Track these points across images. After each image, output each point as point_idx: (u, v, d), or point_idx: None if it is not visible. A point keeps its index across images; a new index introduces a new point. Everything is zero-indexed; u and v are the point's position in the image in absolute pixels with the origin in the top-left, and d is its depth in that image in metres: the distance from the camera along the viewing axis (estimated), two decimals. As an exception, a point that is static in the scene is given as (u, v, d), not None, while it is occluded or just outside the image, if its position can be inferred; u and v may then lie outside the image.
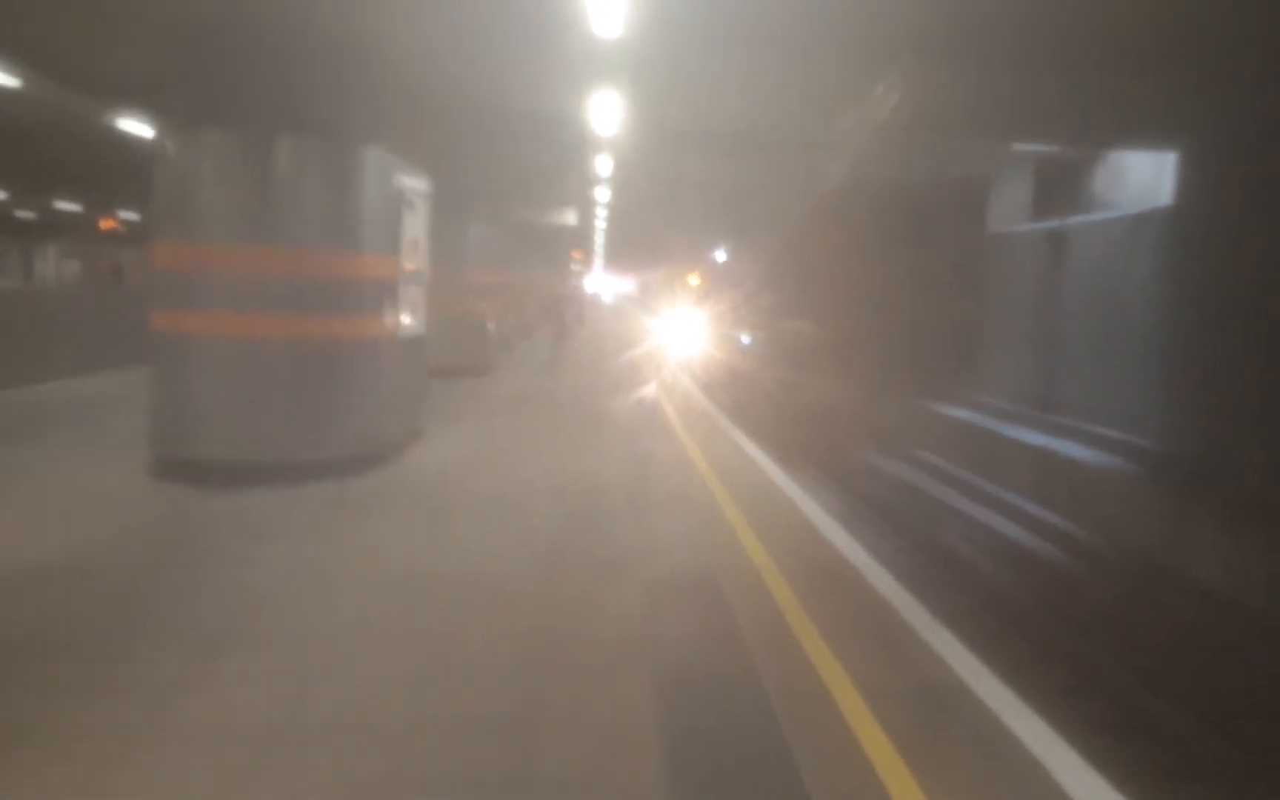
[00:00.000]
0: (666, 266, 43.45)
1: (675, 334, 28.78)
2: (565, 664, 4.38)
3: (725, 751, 3.61)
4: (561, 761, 3.50)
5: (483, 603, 5.16)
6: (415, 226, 9.55)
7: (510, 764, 3.45)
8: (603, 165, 16.16)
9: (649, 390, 15.34)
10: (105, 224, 32.72)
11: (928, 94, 9.83)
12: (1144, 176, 12.64)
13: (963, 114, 10.68)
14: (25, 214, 33.22)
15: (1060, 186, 14.41)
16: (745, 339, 26.21)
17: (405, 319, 9.26)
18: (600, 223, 31.69)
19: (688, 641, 4.75)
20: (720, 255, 31.77)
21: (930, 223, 16.77)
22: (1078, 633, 8.01)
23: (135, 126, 12.99)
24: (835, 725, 3.81)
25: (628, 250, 45.37)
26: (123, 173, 15.75)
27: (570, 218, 21.03)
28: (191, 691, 3.92)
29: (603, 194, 21.77)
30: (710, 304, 30.60)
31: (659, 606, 5.22)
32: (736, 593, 5.43)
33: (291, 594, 5.18)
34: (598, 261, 58.19)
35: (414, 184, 9.47)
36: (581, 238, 32.25)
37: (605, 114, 11.34)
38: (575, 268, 44.11)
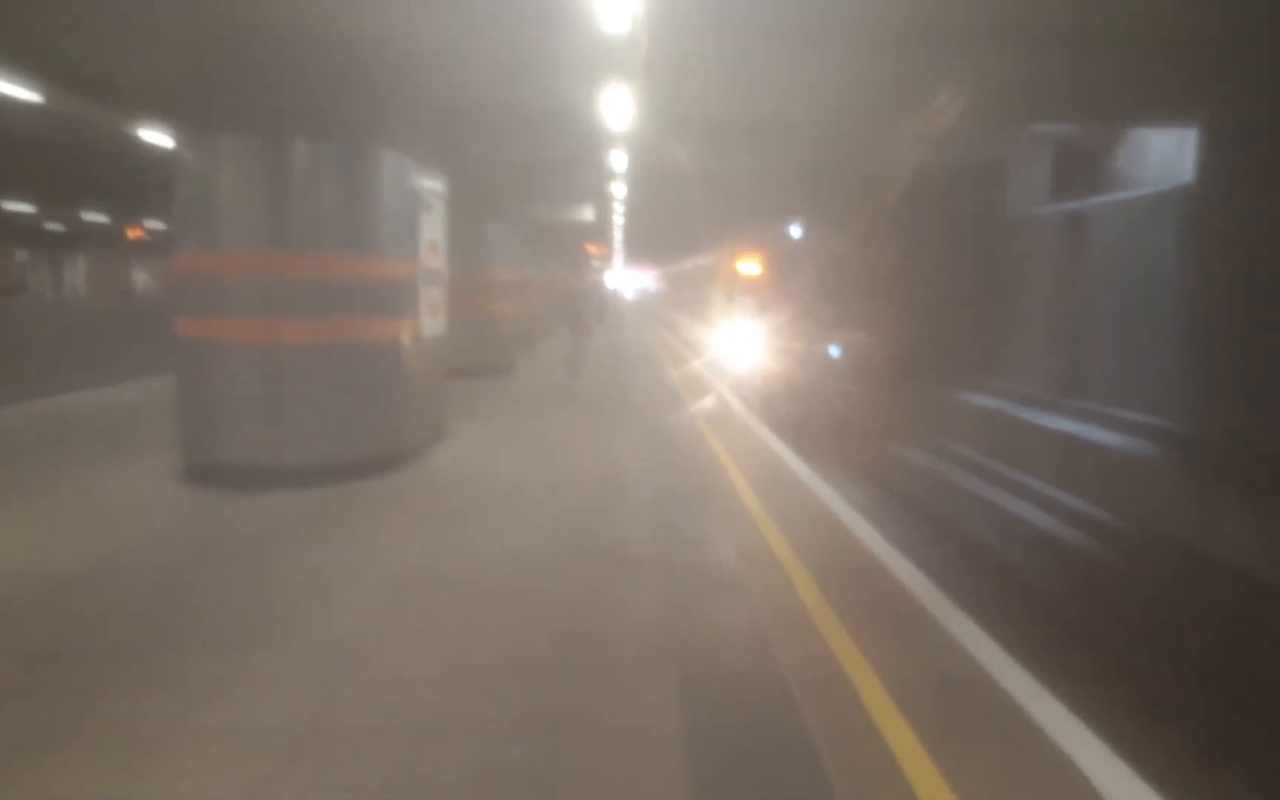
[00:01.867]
0: (710, 250, 32.54)
1: (725, 340, 22.96)
2: (590, 662, 4.42)
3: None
4: (587, 760, 3.51)
5: (507, 602, 5.20)
6: (433, 227, 9.63)
7: (536, 762, 3.48)
8: (618, 160, 16.15)
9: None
10: (132, 233, 33.19)
11: (949, 79, 9.77)
12: (1165, 154, 12.46)
13: (985, 97, 10.56)
14: (54, 226, 33.79)
15: (1080, 166, 14.23)
16: (835, 350, 18.97)
17: (426, 319, 9.34)
18: (619, 217, 31.63)
19: (711, 640, 4.77)
20: (795, 231, 22.40)
21: (952, 207, 16.63)
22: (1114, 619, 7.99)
23: (156, 135, 13.16)
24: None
25: (649, 242, 44.73)
26: (147, 182, 15.97)
27: (588, 213, 21.03)
28: (226, 691, 4.00)
29: (620, 189, 21.75)
30: (770, 298, 22.09)
31: (681, 603, 5.25)
32: (760, 590, 5.45)
33: (319, 595, 5.26)
34: (618, 256, 58.21)
35: (430, 185, 9.54)
36: (600, 233, 32.13)
37: (619, 109, 11.34)
38: (594, 263, 44.12)
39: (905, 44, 8.49)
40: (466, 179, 13.41)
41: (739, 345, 21.47)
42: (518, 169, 15.71)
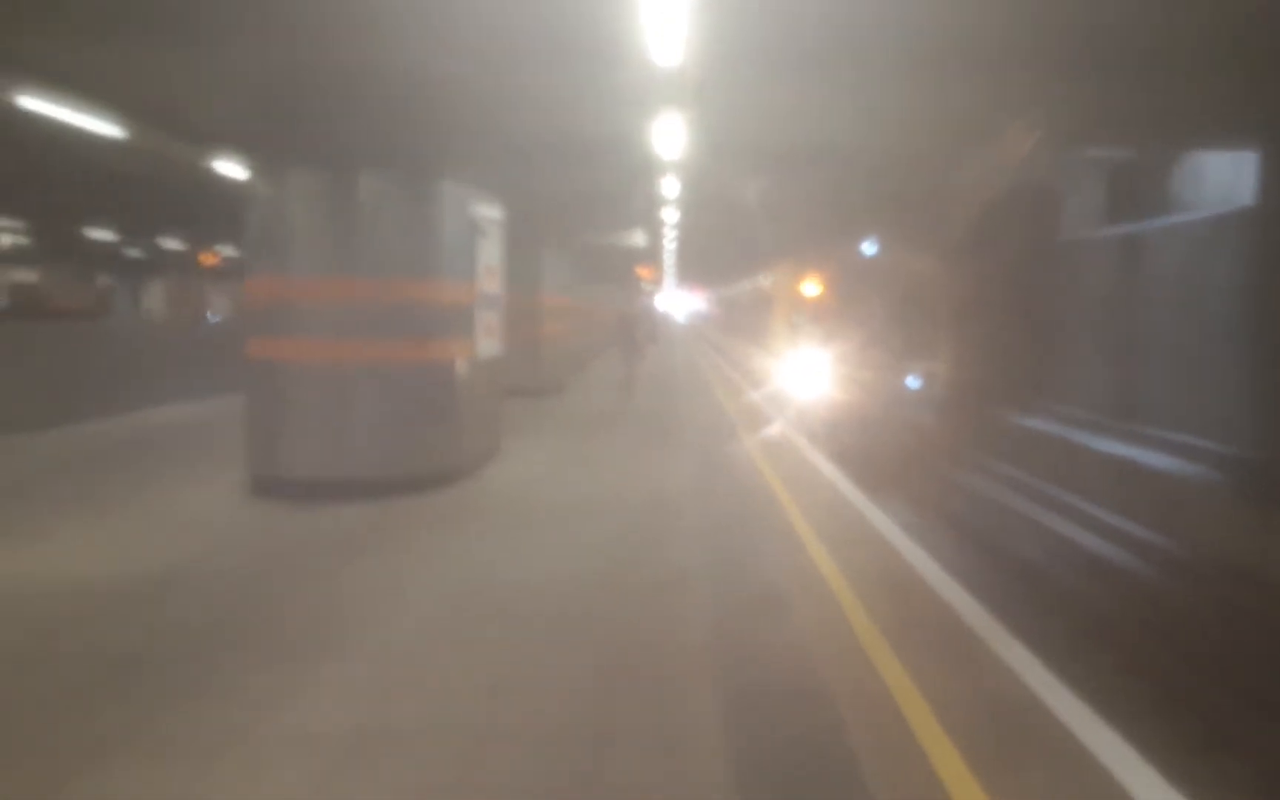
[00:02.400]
0: (767, 271, 29.96)
1: (786, 369, 21.06)
2: (636, 676, 4.56)
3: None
4: (630, 772, 3.60)
5: (556, 616, 5.37)
6: (489, 253, 9.98)
7: (581, 774, 3.58)
8: (670, 186, 16.40)
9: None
10: (206, 259, 34.51)
11: (1007, 102, 9.77)
12: (1222, 177, 12.27)
13: (1048, 123, 10.53)
14: (134, 252, 35.32)
15: (1136, 189, 14.06)
16: (912, 381, 17.34)
17: (482, 341, 9.66)
18: (669, 242, 31.92)
19: (756, 657, 4.90)
20: (867, 249, 19.72)
21: (1014, 231, 16.40)
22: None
23: (229, 167, 13.82)
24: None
25: (701, 265, 44.74)
26: (220, 211, 16.70)
27: (639, 239, 21.33)
28: (289, 696, 4.22)
29: (671, 214, 22.01)
30: (835, 323, 20.14)
31: (725, 621, 5.39)
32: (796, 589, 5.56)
33: (376, 605, 5.51)
34: (669, 279, 58.49)
35: (487, 212, 9.90)
36: (651, 256, 32.45)
37: (670, 137, 11.59)
38: (645, 286, 44.47)
39: (954, 69, 8.56)
40: (522, 206, 13.79)
41: (801, 374, 19.66)
42: (571, 196, 16.06)
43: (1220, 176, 12.38)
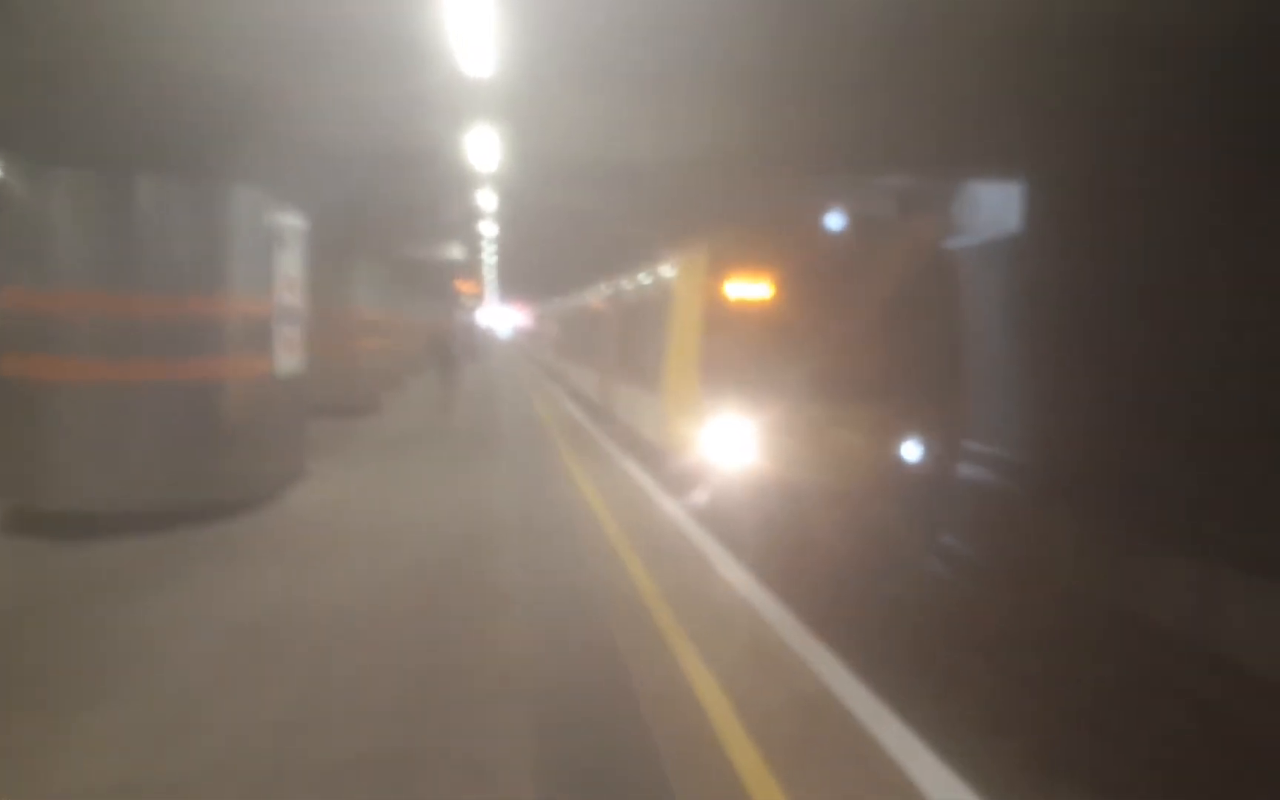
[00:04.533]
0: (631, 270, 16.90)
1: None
2: (442, 706, 4.40)
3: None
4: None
5: (356, 646, 5.12)
6: (290, 264, 9.42)
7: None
8: (486, 199, 16.19)
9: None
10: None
11: (785, 128, 10.20)
12: (997, 206, 13.51)
13: (824, 147, 11.16)
14: None
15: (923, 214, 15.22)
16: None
17: (282, 357, 9.09)
18: (489, 256, 31.58)
19: (566, 682, 4.83)
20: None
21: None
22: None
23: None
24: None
25: (525, 280, 44.22)
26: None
27: (457, 252, 20.89)
28: (49, 751, 3.78)
29: (490, 227, 21.76)
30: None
31: (540, 645, 5.30)
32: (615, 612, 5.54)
33: (152, 647, 5.03)
34: (490, 294, 57.87)
35: (288, 222, 9.34)
36: (471, 271, 31.94)
37: (484, 149, 11.42)
38: (466, 301, 43.73)
39: (740, 91, 8.89)
40: (329, 216, 13.15)
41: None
42: (384, 206, 15.52)
43: (995, 206, 13.61)
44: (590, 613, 5.62)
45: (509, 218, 19.42)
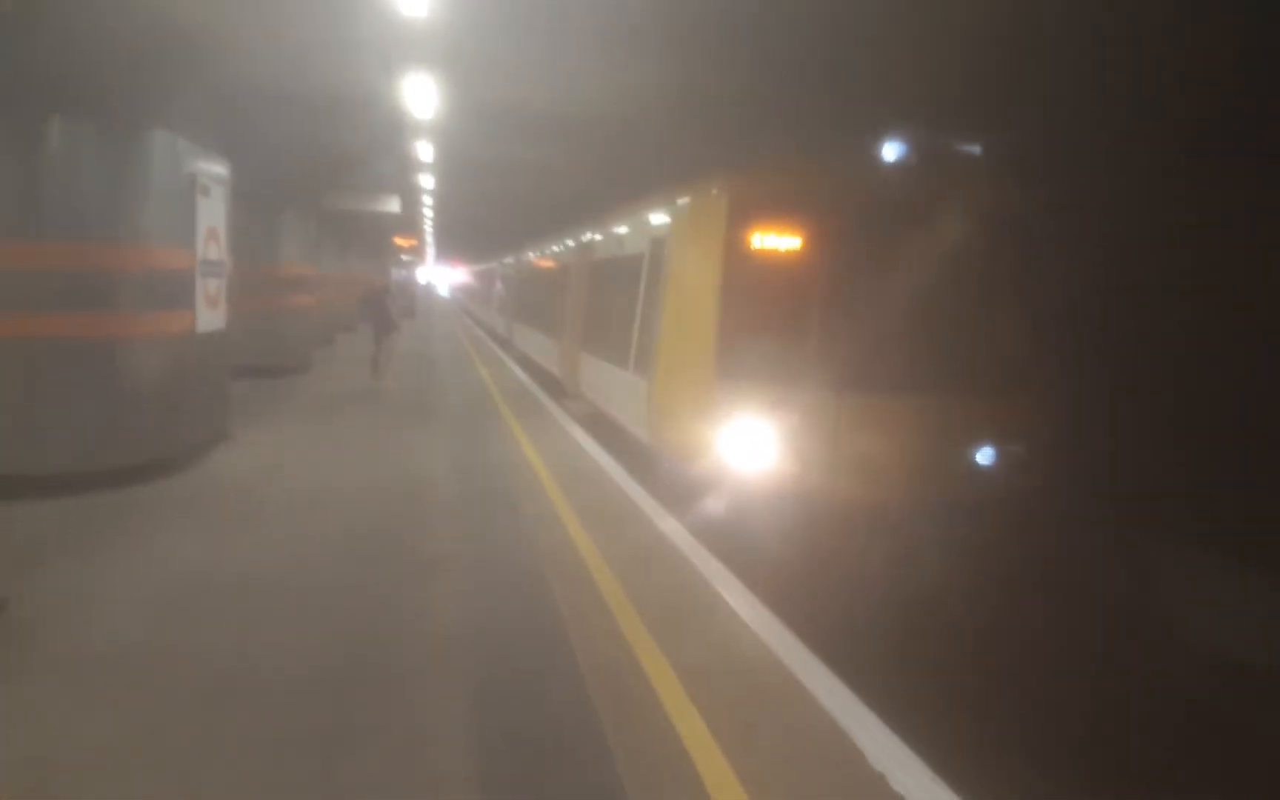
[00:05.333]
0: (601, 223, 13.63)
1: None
2: (372, 676, 4.16)
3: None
4: (363, 777, 3.33)
5: (280, 615, 4.84)
6: (213, 215, 8.87)
7: (311, 780, 3.29)
8: (425, 150, 15.61)
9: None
10: None
11: (739, 81, 9.85)
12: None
13: (785, 101, 10.82)
14: None
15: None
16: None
17: (203, 313, 8.59)
18: (428, 211, 30.75)
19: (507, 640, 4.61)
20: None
21: None
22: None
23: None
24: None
25: (467, 237, 43.11)
26: None
27: (394, 205, 20.20)
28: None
29: (429, 180, 21.10)
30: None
31: (473, 606, 5.07)
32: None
33: (62, 617, 4.66)
34: (430, 250, 56.75)
35: (211, 169, 8.78)
36: (409, 225, 31.07)
37: (422, 97, 10.94)
38: (404, 258, 42.70)
39: (694, 41, 8.54)
40: (258, 165, 12.50)
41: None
42: (315, 156, 14.86)
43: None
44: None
45: (450, 170, 18.83)
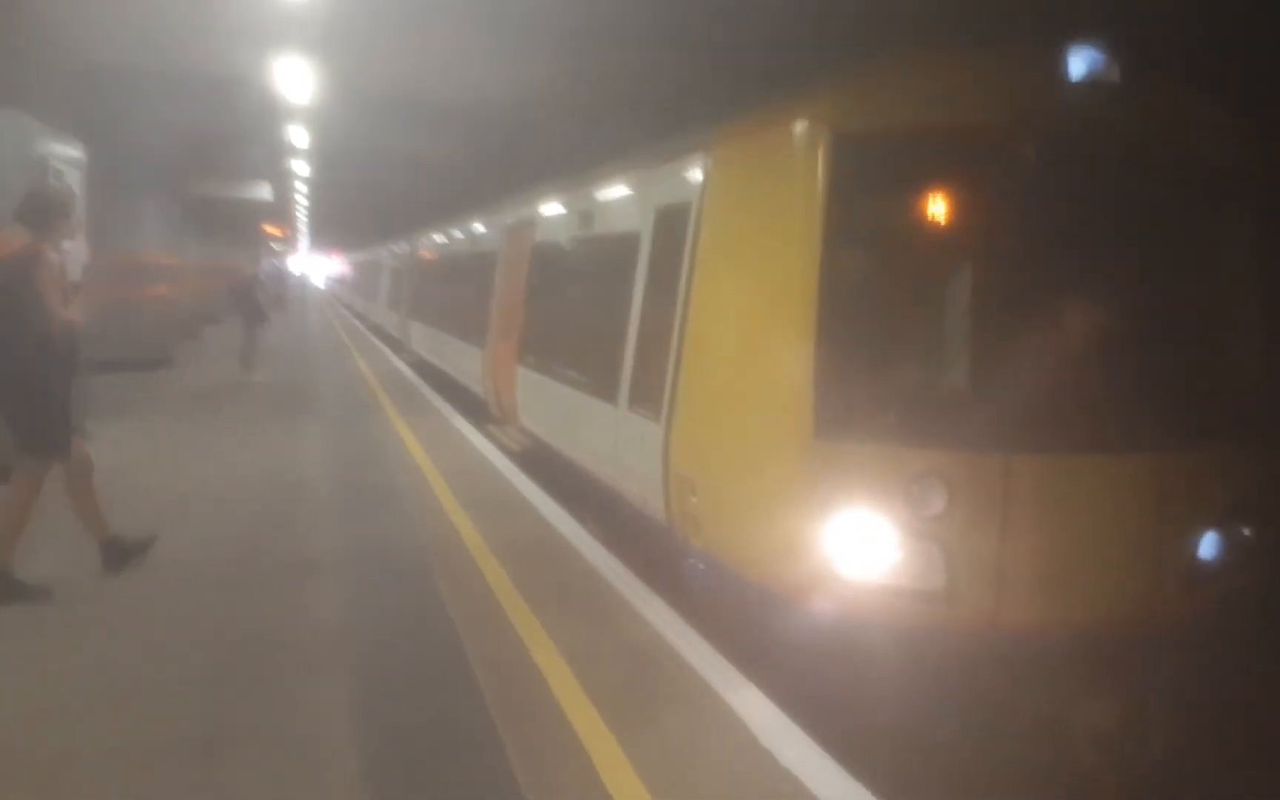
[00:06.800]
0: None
1: None
2: (243, 682, 4.02)
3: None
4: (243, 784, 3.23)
5: (152, 617, 4.64)
6: (64, 199, 8.29)
7: (192, 780, 3.19)
8: (299, 135, 15.05)
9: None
10: None
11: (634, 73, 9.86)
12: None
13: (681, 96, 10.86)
14: None
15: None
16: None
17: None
18: (304, 199, 29.63)
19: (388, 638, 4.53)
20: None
21: None
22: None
23: None
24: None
25: (345, 226, 41.71)
26: None
27: (264, 192, 19.39)
28: None
29: (303, 167, 20.35)
30: None
31: (356, 607, 4.96)
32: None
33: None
34: (305, 239, 54.73)
35: (63, 151, 8.21)
36: (281, 213, 29.84)
37: (296, 81, 10.55)
38: (276, 247, 40.96)
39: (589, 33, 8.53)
40: (115, 147, 11.76)
41: None
42: (179, 139, 14.13)
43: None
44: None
45: (326, 157, 18.21)
